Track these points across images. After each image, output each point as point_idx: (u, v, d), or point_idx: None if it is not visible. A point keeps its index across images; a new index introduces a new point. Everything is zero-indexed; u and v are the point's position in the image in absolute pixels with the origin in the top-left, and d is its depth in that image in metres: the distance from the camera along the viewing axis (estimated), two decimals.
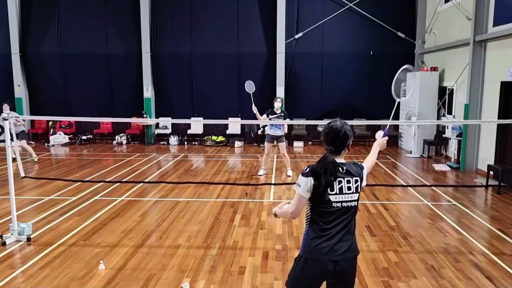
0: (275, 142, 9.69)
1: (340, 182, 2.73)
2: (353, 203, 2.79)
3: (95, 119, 14.69)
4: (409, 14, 14.64)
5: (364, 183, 2.89)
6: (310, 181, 2.69)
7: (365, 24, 14.74)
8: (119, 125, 15.68)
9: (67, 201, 7.72)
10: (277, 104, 9.58)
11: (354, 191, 2.78)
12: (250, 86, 9.85)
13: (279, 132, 9.62)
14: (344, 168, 2.78)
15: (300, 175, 2.75)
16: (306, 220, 2.84)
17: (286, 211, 2.88)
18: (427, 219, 6.82)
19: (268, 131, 9.85)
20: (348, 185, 2.76)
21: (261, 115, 9.64)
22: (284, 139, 9.74)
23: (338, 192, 2.73)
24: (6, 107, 11.00)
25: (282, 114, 9.61)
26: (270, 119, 9.53)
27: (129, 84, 15.65)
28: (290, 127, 15.13)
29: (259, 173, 10.02)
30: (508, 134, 9.26)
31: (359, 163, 2.93)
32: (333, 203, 2.73)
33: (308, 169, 2.74)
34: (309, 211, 2.81)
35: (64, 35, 15.62)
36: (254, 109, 9.61)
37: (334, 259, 2.71)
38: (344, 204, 2.75)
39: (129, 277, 4.74)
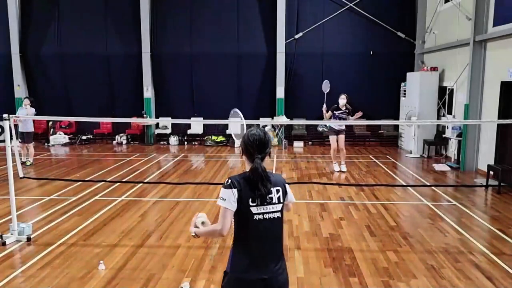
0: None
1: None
2: (276, 214, 2.64)
3: (95, 119, 14.68)
4: (409, 14, 14.63)
5: (290, 196, 2.76)
6: (234, 192, 2.55)
7: (365, 24, 14.74)
8: (119, 125, 15.67)
9: (67, 201, 7.71)
10: (342, 101, 10.05)
11: (277, 202, 2.65)
12: (326, 87, 10.47)
13: (342, 127, 10.22)
14: (269, 177, 2.64)
15: (222, 188, 2.59)
16: (231, 235, 2.66)
17: (212, 230, 2.67)
18: (427, 219, 6.82)
19: (331, 125, 10.33)
20: (270, 195, 2.62)
21: (327, 111, 10.14)
22: (344, 133, 10.32)
23: (259, 204, 2.59)
24: (26, 101, 10.92)
25: (347, 111, 10.07)
26: (336, 114, 10.08)
27: (129, 84, 15.65)
28: (290, 127, 15.14)
29: (334, 169, 10.42)
30: (508, 134, 9.25)
31: (279, 174, 2.80)
32: (255, 215, 2.58)
33: (230, 180, 2.58)
34: (232, 227, 2.63)
35: (64, 35, 15.62)
36: (324, 109, 10.18)
37: (262, 276, 2.59)
38: (266, 216, 2.61)
39: (129, 277, 4.74)
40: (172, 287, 4.52)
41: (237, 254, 2.64)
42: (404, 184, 9.34)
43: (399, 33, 14.64)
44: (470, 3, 10.38)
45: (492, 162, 9.41)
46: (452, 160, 11.59)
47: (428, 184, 9.28)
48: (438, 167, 10.90)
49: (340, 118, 10.04)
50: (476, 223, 6.59)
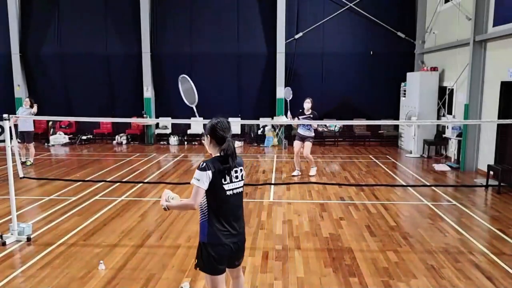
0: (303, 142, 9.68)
1: (229, 173, 3.14)
2: (240, 189, 3.26)
3: (95, 119, 14.69)
4: (409, 14, 14.64)
5: (244, 175, 3.32)
6: (208, 174, 3.03)
7: (365, 24, 14.74)
8: (119, 125, 15.67)
9: (67, 201, 7.72)
10: (307, 105, 9.43)
11: (241, 179, 3.25)
12: (288, 94, 9.80)
13: (309, 133, 9.58)
14: (236, 154, 3.21)
15: (197, 170, 3.06)
16: (203, 211, 3.17)
17: (185, 205, 3.20)
18: (427, 219, 6.82)
19: (298, 130, 9.80)
20: (236, 174, 3.20)
21: (293, 118, 9.74)
22: (311, 140, 9.66)
23: (230, 181, 3.15)
24: (26, 101, 10.89)
25: (311, 116, 9.38)
26: (300, 119, 9.52)
27: (129, 84, 15.65)
28: (290, 127, 15.13)
29: (293, 174, 9.93)
30: (508, 134, 9.26)
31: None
32: (227, 191, 3.14)
33: (205, 164, 3.06)
34: (205, 203, 3.14)
35: (64, 35, 15.63)
36: (289, 116, 9.69)
37: (233, 240, 3.18)
38: (235, 191, 3.19)
39: (129, 277, 4.74)
40: (172, 287, 4.52)
41: (212, 225, 3.14)
42: (404, 184, 9.34)
43: (399, 33, 14.64)
44: (470, 3, 10.39)
45: (492, 162, 9.41)
46: (452, 160, 11.59)
47: (428, 184, 9.28)
48: (438, 167, 10.90)
49: (304, 123, 9.45)
50: (476, 223, 6.59)
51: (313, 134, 9.69)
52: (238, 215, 3.26)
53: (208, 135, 3.21)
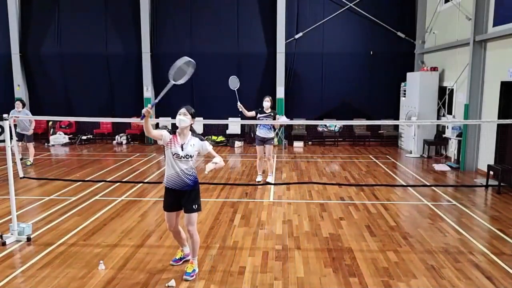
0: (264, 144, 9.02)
1: None
2: None
3: (95, 119, 14.69)
4: (409, 14, 14.64)
5: None
6: None
7: (365, 24, 14.75)
8: (119, 125, 15.66)
9: (67, 201, 7.72)
10: (266, 104, 8.77)
11: None
12: (234, 83, 8.97)
13: (269, 135, 8.94)
14: None
15: (206, 142, 4.64)
16: (193, 169, 4.61)
17: (221, 163, 4.60)
18: (427, 219, 6.82)
19: (257, 132, 9.08)
20: None
21: (249, 111, 8.95)
22: (272, 142, 9.13)
23: None
24: (18, 104, 10.92)
25: (272, 114, 8.80)
26: (258, 119, 8.83)
27: (129, 84, 15.64)
28: (290, 127, 15.14)
29: (257, 180, 9.34)
30: (508, 134, 9.26)
31: None
32: None
33: (204, 138, 4.60)
34: (194, 162, 4.62)
35: (64, 35, 15.62)
36: (240, 107, 8.88)
37: None
38: None
39: (129, 277, 4.74)
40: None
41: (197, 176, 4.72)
42: (404, 184, 9.34)
43: (399, 33, 14.64)
44: (470, 3, 10.39)
45: (492, 162, 9.41)
46: (452, 160, 11.59)
47: (428, 184, 9.28)
48: (438, 167, 10.90)
49: (263, 125, 8.83)
50: (476, 223, 6.59)
51: (273, 135, 9.10)
52: None
53: (193, 119, 4.63)
